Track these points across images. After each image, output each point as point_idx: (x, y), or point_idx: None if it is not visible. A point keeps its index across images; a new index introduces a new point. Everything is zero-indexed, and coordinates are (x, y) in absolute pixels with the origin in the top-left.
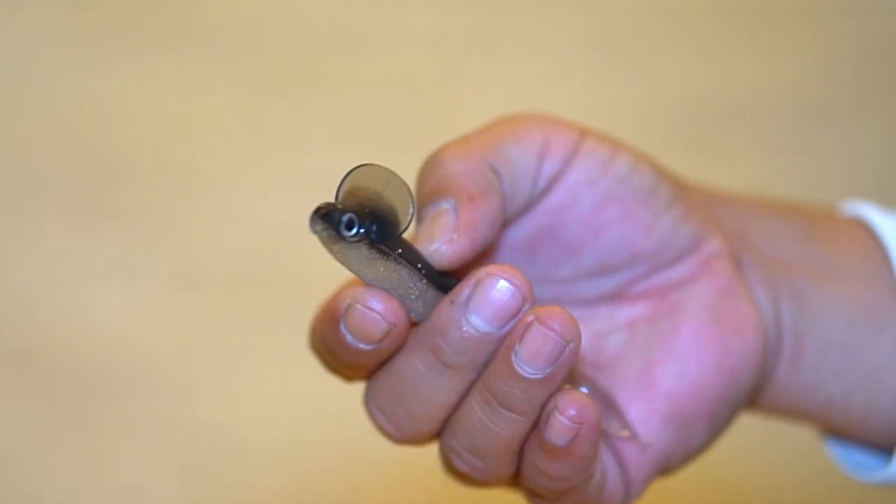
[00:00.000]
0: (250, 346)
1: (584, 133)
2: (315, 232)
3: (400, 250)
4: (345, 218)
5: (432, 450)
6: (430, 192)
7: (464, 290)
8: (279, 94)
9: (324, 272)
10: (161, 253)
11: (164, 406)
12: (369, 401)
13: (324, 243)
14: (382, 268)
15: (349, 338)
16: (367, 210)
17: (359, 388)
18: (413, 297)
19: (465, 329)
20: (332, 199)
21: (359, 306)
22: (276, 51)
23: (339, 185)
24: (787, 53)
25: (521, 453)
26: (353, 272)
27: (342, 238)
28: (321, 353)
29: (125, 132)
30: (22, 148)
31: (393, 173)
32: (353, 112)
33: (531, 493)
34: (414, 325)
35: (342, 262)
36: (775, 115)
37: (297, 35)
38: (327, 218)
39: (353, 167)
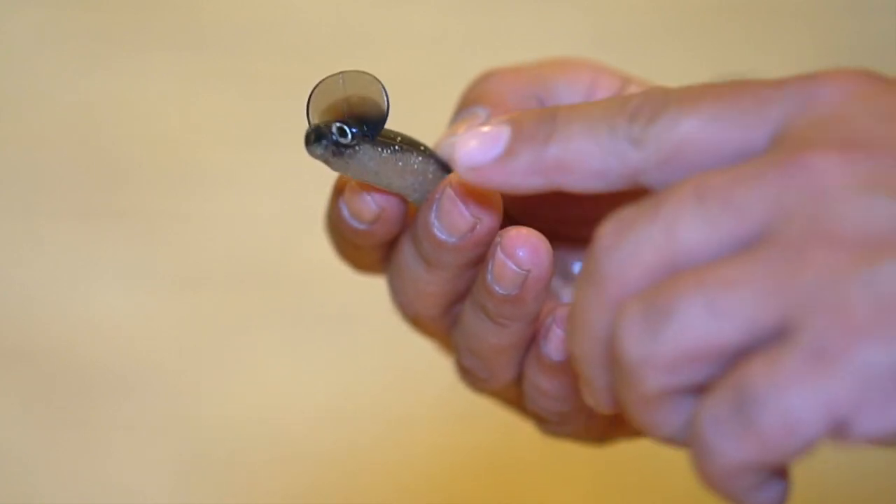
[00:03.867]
0: (251, 345)
1: (627, 80)
2: (317, 156)
3: (399, 138)
4: (334, 128)
5: (433, 450)
6: (468, 101)
7: (436, 193)
8: (279, 95)
9: (324, 272)
10: (161, 253)
11: (164, 406)
12: (387, 273)
13: (329, 163)
14: (393, 161)
15: (345, 212)
16: (347, 115)
17: (359, 389)
18: (430, 179)
19: (432, 231)
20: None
21: (353, 184)
22: (276, 51)
23: (308, 114)
24: (788, 53)
25: (522, 368)
26: (371, 181)
27: (343, 148)
28: (331, 231)
29: (125, 132)
30: (22, 148)
31: (343, 72)
32: None
33: (536, 416)
34: None
35: (355, 175)
36: None
37: (297, 35)
38: (320, 137)
39: (309, 92)
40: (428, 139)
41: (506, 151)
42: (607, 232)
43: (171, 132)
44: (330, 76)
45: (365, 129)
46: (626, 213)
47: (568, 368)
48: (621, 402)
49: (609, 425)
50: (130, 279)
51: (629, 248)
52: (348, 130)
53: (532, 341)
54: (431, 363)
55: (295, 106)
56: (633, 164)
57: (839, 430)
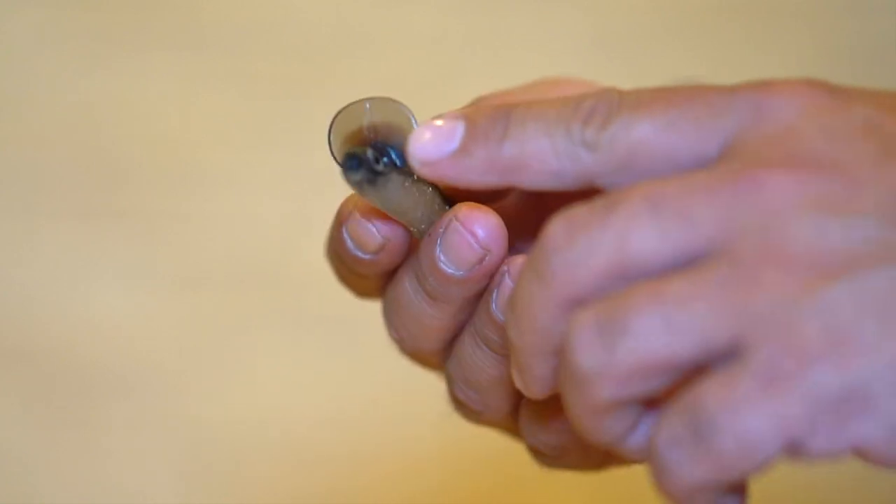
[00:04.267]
0: (251, 346)
1: None
2: (353, 182)
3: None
4: (370, 154)
5: (433, 450)
6: None
7: (439, 226)
8: (279, 95)
9: (324, 272)
10: (161, 253)
11: (163, 406)
12: (383, 307)
13: (363, 191)
14: (413, 191)
15: (349, 243)
16: (373, 143)
17: (359, 389)
18: (436, 211)
19: (439, 265)
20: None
21: (358, 215)
22: (276, 51)
23: (329, 140)
24: (788, 53)
25: (519, 401)
26: (391, 210)
27: (377, 175)
28: (331, 259)
29: (125, 132)
30: (22, 148)
31: (370, 98)
32: None
33: (533, 450)
34: None
35: (381, 204)
36: None
37: (297, 35)
38: (359, 163)
39: (332, 117)
40: None
41: (460, 148)
42: (557, 230)
43: (171, 132)
44: (354, 102)
45: (394, 154)
46: (577, 213)
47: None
48: (567, 405)
49: (606, 454)
50: (130, 279)
51: (580, 251)
52: (391, 155)
53: None
54: None
55: (295, 106)
56: (588, 167)
57: (793, 450)
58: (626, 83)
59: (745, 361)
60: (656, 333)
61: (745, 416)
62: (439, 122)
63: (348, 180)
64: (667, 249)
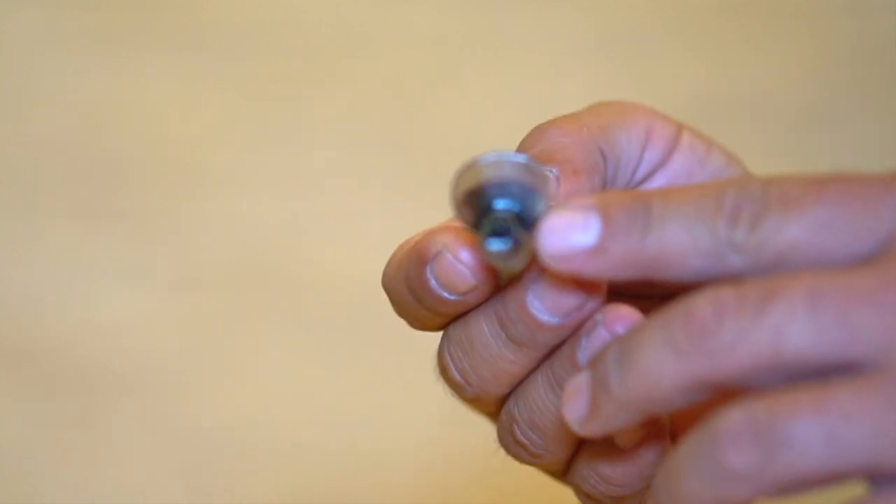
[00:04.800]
0: (251, 346)
1: (680, 127)
2: (499, 254)
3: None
4: (511, 222)
5: (433, 450)
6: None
7: (534, 270)
8: (279, 95)
9: (324, 272)
10: (161, 253)
11: (163, 405)
12: (444, 349)
13: (503, 261)
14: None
15: (433, 283)
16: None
17: (359, 389)
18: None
19: (532, 313)
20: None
21: (449, 255)
22: (276, 51)
23: (457, 205)
24: (788, 53)
25: (580, 445)
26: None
27: (520, 244)
28: (399, 293)
29: (125, 132)
30: (22, 148)
31: (488, 155)
32: (353, 112)
33: (585, 495)
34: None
35: (513, 269)
36: (775, 115)
37: (296, 35)
38: (504, 231)
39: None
40: (428, 139)
41: (597, 247)
42: (705, 309)
43: (170, 132)
44: (472, 160)
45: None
46: (727, 296)
47: (634, 456)
48: (683, 481)
49: None
50: (130, 279)
51: (730, 338)
52: (523, 219)
53: None
54: (432, 363)
55: (295, 106)
56: (734, 267)
57: None
58: (626, 83)
59: None
60: (818, 448)
61: None
62: (571, 214)
63: (491, 253)
64: (824, 352)
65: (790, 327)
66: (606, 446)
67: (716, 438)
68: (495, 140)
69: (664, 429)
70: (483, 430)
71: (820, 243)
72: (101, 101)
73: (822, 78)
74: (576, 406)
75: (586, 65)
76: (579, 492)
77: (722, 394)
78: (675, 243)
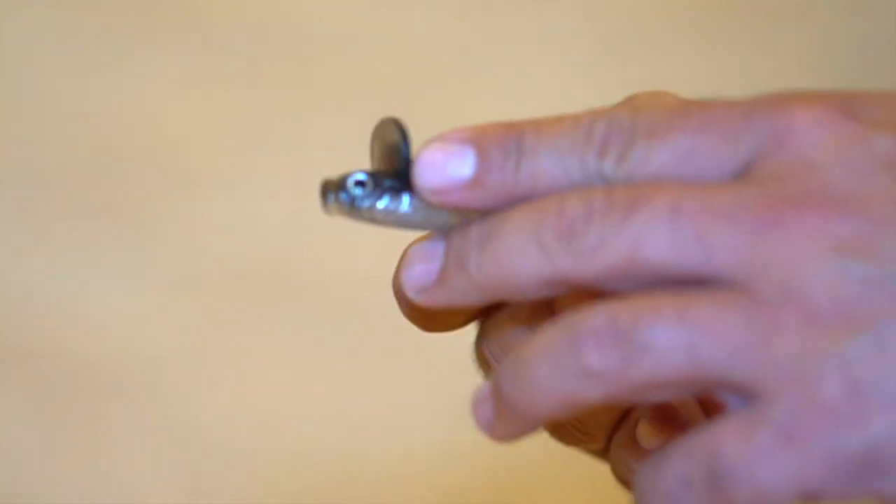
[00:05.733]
0: (251, 346)
1: None
2: (331, 209)
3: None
4: (350, 181)
5: (433, 450)
6: None
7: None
8: (279, 95)
9: (324, 272)
10: (161, 253)
11: (163, 406)
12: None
13: (351, 214)
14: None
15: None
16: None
17: (359, 389)
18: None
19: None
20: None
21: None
22: (276, 51)
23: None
24: (790, 53)
25: (612, 434)
26: (415, 227)
27: (370, 199)
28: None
29: (125, 132)
30: (22, 148)
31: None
32: (352, 112)
33: (623, 481)
34: None
35: (383, 223)
36: None
37: (297, 35)
38: (330, 192)
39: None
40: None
41: (474, 180)
42: (575, 211)
43: (170, 132)
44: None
45: (382, 181)
46: (597, 199)
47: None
48: (537, 378)
49: None
50: (130, 279)
51: (593, 242)
52: (364, 183)
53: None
54: (432, 363)
55: (295, 106)
56: None
57: (808, 498)
58: (627, 83)
59: (765, 411)
60: (678, 355)
61: (763, 469)
62: (447, 145)
63: (327, 210)
64: (681, 264)
65: (648, 237)
66: (633, 441)
67: (576, 335)
68: None
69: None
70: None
71: (683, 171)
72: (101, 101)
73: (824, 78)
74: (420, 271)
75: (587, 65)
76: (620, 480)
77: (578, 292)
78: (547, 176)
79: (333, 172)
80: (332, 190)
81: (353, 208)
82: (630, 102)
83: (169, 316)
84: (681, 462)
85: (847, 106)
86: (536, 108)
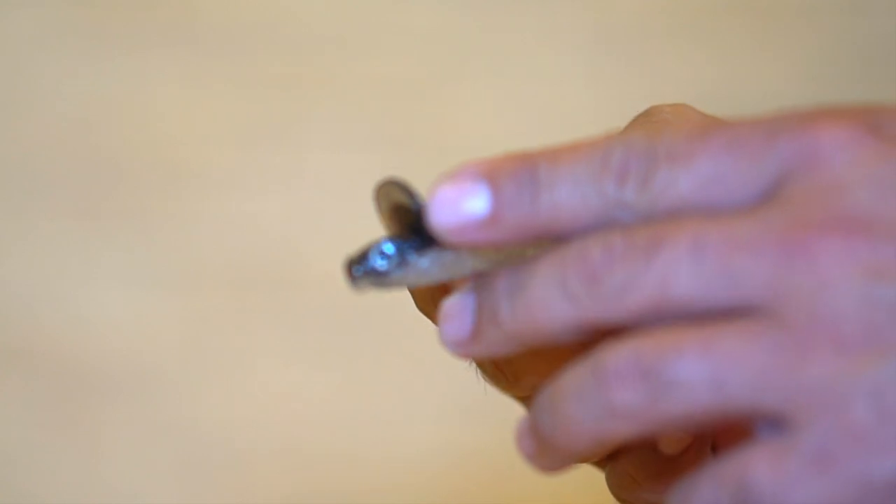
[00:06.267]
0: (251, 346)
1: None
2: (359, 286)
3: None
4: (371, 256)
5: (433, 450)
6: None
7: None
8: (279, 95)
9: (324, 272)
10: (161, 253)
11: (163, 405)
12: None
13: (380, 286)
14: (451, 258)
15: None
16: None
17: (359, 389)
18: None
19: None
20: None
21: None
22: (275, 51)
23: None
24: (792, 53)
25: (621, 448)
26: (437, 281)
27: (394, 269)
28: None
29: (125, 132)
30: (21, 148)
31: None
32: (353, 112)
33: (622, 500)
34: None
35: (414, 284)
36: None
37: (296, 35)
38: (356, 267)
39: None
40: (428, 138)
41: (491, 217)
42: (595, 255)
43: (170, 132)
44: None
45: (404, 242)
46: (617, 241)
47: (676, 469)
48: (563, 416)
49: None
50: (130, 279)
51: (619, 284)
52: (387, 253)
53: None
54: (432, 363)
55: (295, 106)
56: (627, 225)
57: None
58: (628, 83)
59: (795, 438)
60: (703, 389)
61: (793, 495)
62: (459, 182)
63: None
64: (708, 298)
65: (675, 274)
66: (649, 455)
67: (602, 373)
68: (496, 140)
69: (706, 441)
70: (486, 427)
71: (709, 196)
72: (100, 101)
73: (826, 77)
74: (455, 327)
75: (588, 65)
76: (613, 489)
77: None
78: (566, 207)
79: (334, 173)
80: (357, 265)
81: (381, 281)
82: (647, 119)
83: (168, 316)
84: (710, 489)
85: (873, 123)
86: (538, 107)
